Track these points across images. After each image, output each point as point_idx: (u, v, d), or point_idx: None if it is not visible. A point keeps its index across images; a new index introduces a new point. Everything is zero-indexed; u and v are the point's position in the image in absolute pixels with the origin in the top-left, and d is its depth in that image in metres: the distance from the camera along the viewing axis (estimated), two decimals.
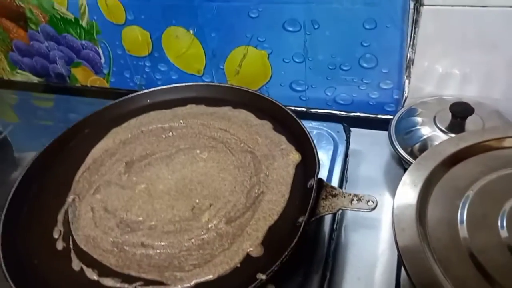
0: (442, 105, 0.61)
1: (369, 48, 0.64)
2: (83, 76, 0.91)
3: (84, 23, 0.80)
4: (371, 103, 0.71)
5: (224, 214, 0.42)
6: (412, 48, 0.62)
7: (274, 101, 0.52)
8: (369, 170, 0.64)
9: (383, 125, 0.68)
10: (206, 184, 0.46)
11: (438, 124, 0.58)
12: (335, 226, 0.46)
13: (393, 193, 0.54)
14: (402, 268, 0.47)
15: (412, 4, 0.58)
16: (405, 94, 0.68)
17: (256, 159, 0.47)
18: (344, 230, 0.53)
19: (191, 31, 0.73)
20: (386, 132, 0.67)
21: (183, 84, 0.59)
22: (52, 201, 0.47)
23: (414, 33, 0.61)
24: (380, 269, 0.50)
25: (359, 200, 0.39)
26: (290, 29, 0.66)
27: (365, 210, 0.38)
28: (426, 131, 0.58)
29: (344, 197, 0.39)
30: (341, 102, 0.73)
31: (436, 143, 0.56)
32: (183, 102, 0.57)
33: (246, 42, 0.71)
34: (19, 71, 0.96)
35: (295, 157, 0.46)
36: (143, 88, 0.86)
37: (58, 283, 0.39)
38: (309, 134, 0.45)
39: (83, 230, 0.43)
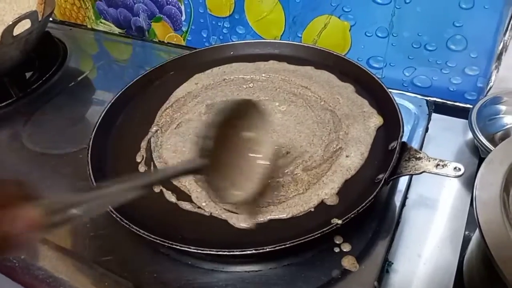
0: None
1: (461, 29, 0.62)
2: (162, 31, 0.94)
3: None
4: (451, 89, 0.68)
5: (301, 162, 0.42)
6: (508, 34, 0.59)
7: (359, 65, 0.52)
8: (440, 156, 0.62)
9: (460, 113, 0.66)
10: (281, 134, 0.46)
11: None
12: (407, 194, 0.45)
13: (461, 180, 0.52)
14: (466, 255, 0.46)
15: None
16: (491, 83, 0.65)
17: (336, 117, 0.47)
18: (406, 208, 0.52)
19: None
20: (462, 120, 0.65)
21: (267, 40, 0.60)
22: (137, 129, 0.50)
23: None
24: (443, 250, 0.48)
25: (444, 165, 0.38)
26: (380, 1, 0.65)
27: (451, 176, 0.37)
28: (509, 120, 0.56)
29: (429, 161, 0.38)
30: (419, 84, 0.71)
31: None
32: (265, 58, 0.58)
33: (330, 11, 0.70)
34: (103, 21, 1.01)
35: (377, 120, 0.45)
36: None
37: (140, 200, 0.42)
38: (394, 100, 0.45)
39: (163, 157, 0.45)
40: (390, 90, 0.47)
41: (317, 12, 0.72)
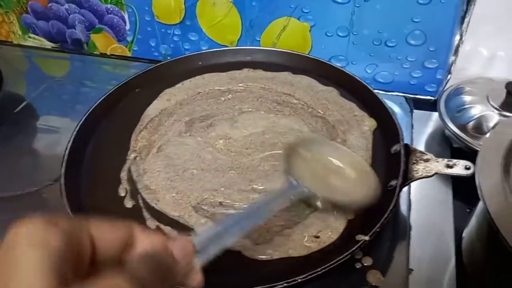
0: (491, 85, 0.61)
1: (419, 24, 0.63)
2: (103, 43, 0.86)
3: None
4: (412, 83, 0.70)
5: None
6: (463, 26, 0.62)
7: (339, 67, 0.51)
8: None
9: (422, 105, 0.68)
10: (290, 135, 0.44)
11: (491, 103, 0.58)
12: (411, 197, 0.45)
13: None
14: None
15: None
16: (450, 75, 0.67)
17: (328, 124, 0.45)
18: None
19: None
20: (426, 112, 0.67)
21: (237, 47, 0.57)
22: (111, 159, 0.44)
23: (468, 11, 0.60)
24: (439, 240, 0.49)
25: (454, 165, 0.38)
26: (339, 0, 0.65)
27: (463, 175, 0.37)
28: (479, 109, 0.58)
29: (438, 161, 0.38)
30: (381, 80, 0.72)
31: (492, 121, 0.56)
32: (237, 66, 0.55)
33: (289, 12, 0.69)
34: (31, 35, 0.90)
35: (371, 123, 0.44)
36: (168, 58, 0.82)
37: None
38: (384, 101, 0.44)
39: (151, 188, 0.41)
40: (375, 90, 0.46)
41: (275, 14, 0.70)
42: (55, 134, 0.58)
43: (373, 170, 0.39)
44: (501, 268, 0.40)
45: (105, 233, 0.22)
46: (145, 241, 0.23)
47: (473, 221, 0.47)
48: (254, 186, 0.41)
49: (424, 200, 0.51)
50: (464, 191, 0.52)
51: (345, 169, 0.39)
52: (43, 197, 0.47)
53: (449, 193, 0.53)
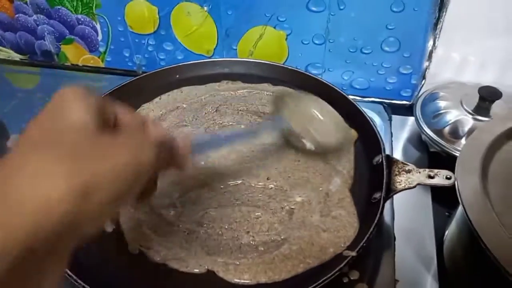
0: (464, 90, 0.62)
1: (394, 32, 0.64)
2: (74, 54, 0.84)
3: None
4: (388, 88, 0.71)
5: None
6: (436, 33, 0.63)
7: (319, 78, 0.51)
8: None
9: (398, 110, 0.69)
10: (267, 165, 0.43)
11: (465, 107, 0.59)
12: (394, 207, 0.45)
13: None
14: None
15: None
16: (424, 80, 0.69)
17: None
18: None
19: (205, 8, 0.70)
20: (401, 117, 0.68)
21: (216, 59, 0.56)
22: None
23: (440, 17, 0.62)
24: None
25: (435, 175, 0.38)
26: (314, 9, 0.65)
27: (446, 185, 0.38)
28: (454, 114, 0.59)
29: (419, 172, 0.39)
30: (357, 87, 0.72)
31: (467, 126, 0.57)
32: (216, 78, 0.54)
33: (265, 21, 0.69)
34: None
35: (353, 134, 0.44)
36: (143, 68, 0.81)
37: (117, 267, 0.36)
38: (364, 112, 0.44)
39: (133, 212, 0.40)
40: (355, 101, 0.47)
41: (252, 23, 0.69)
42: None
43: (356, 182, 0.40)
44: (482, 270, 0.41)
45: (125, 113, 0.27)
46: (157, 131, 0.28)
47: (453, 226, 0.48)
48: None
49: (404, 206, 0.51)
50: (442, 195, 0.53)
51: (324, 120, 0.45)
52: None
53: (429, 198, 0.54)
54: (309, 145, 0.44)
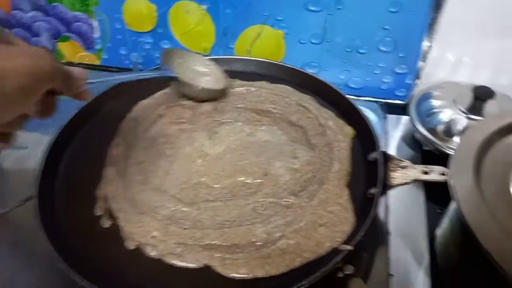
0: (458, 90, 0.63)
1: (390, 32, 0.65)
2: (70, 51, 0.84)
3: None
4: (383, 88, 0.72)
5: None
6: (432, 33, 0.64)
7: (316, 76, 0.51)
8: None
9: (393, 109, 0.70)
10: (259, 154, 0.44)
11: (459, 107, 0.60)
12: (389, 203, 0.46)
13: None
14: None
15: None
16: (418, 80, 0.70)
17: (307, 133, 0.46)
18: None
19: (204, 7, 0.70)
20: (397, 116, 0.69)
21: (214, 56, 0.56)
22: (86, 176, 0.43)
23: (436, 19, 0.62)
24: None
25: (430, 171, 0.39)
26: (312, 8, 0.66)
27: (440, 180, 0.39)
28: (447, 113, 0.60)
29: (415, 168, 0.39)
30: (353, 86, 0.73)
31: (460, 124, 0.58)
32: None
33: (263, 20, 0.69)
34: None
35: (349, 131, 0.45)
36: (139, 66, 0.81)
37: (113, 262, 0.36)
38: (360, 109, 0.45)
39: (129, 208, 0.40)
40: (352, 99, 0.47)
41: (249, 22, 0.70)
42: (23, 150, 0.56)
43: None
44: (474, 265, 0.41)
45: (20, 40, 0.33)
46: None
47: (445, 222, 0.49)
48: None
49: (397, 202, 0.52)
50: (435, 192, 0.54)
51: (204, 72, 0.55)
52: (14, 219, 0.45)
53: (422, 195, 0.55)
54: (194, 92, 0.53)
